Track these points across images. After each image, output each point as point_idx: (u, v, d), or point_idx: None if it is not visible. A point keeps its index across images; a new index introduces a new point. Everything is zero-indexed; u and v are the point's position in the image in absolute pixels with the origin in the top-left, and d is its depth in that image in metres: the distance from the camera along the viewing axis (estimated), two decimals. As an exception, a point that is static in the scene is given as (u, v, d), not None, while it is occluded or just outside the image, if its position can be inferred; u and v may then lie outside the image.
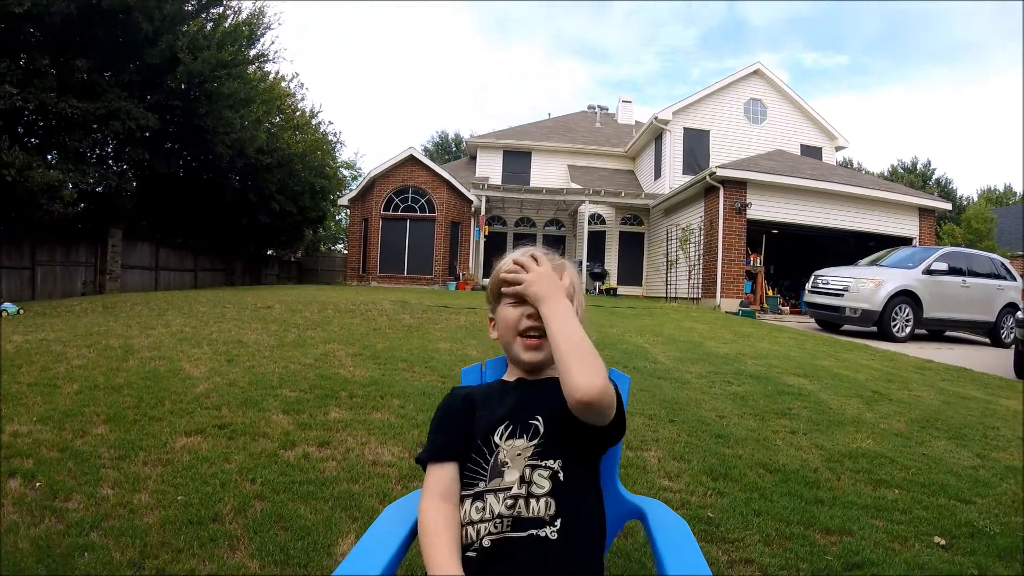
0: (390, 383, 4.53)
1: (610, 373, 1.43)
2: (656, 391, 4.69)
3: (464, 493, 1.15)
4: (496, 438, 1.16)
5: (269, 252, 30.97)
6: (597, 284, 22.05)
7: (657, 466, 3.12)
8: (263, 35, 20.52)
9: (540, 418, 1.16)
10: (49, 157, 14.93)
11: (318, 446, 3.23)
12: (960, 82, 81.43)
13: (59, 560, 2.12)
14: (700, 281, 16.96)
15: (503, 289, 1.26)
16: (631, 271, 23.25)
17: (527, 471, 1.12)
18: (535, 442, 1.14)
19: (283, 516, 2.46)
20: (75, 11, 13.36)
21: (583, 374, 1.04)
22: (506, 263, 1.29)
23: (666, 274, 19.64)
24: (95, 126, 15.31)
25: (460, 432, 1.21)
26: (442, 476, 1.17)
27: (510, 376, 1.31)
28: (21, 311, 9.37)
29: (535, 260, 1.26)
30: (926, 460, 3.42)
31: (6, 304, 9.66)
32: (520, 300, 1.24)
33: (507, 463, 1.13)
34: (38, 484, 2.70)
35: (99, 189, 16.33)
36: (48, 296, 15.40)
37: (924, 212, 17.20)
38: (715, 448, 3.43)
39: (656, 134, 22.40)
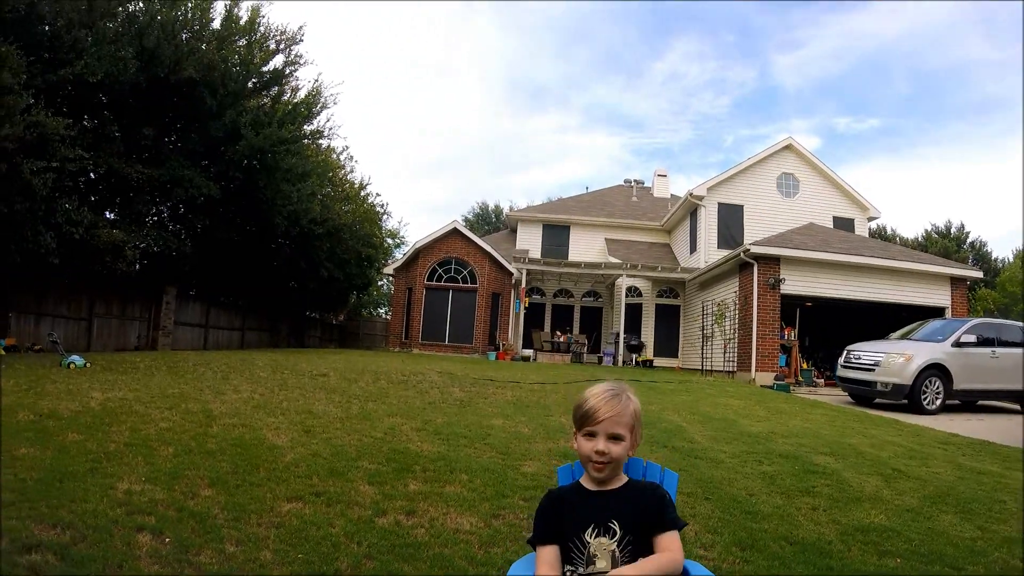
0: (456, 459, 5.08)
1: (665, 475, 2.01)
2: (693, 470, 5.20)
3: (568, 570, 1.74)
4: (586, 536, 1.75)
5: (312, 314, 31.78)
6: (634, 356, 22.33)
7: (694, 538, 3.64)
8: (320, 113, 21.62)
9: (616, 521, 1.75)
10: (109, 215, 15.59)
11: (406, 515, 3.72)
12: (992, 137, 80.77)
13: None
14: (735, 355, 17.27)
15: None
16: (667, 343, 23.57)
17: (616, 557, 1.71)
18: (616, 539, 1.73)
19: (393, 574, 2.94)
20: (144, 82, 14.35)
21: None
22: (587, 401, 1.82)
23: (702, 347, 19.94)
24: (157, 191, 16.06)
25: (555, 525, 1.80)
26: (548, 553, 1.77)
27: (587, 483, 1.87)
28: (88, 364, 9.79)
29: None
30: (930, 533, 3.87)
31: (74, 356, 10.04)
32: (591, 434, 1.80)
33: (596, 555, 1.73)
34: (167, 540, 3.04)
35: (157, 249, 17.02)
36: (103, 347, 15.81)
37: (956, 281, 17.41)
38: (744, 523, 3.93)
39: (691, 209, 23.02)
